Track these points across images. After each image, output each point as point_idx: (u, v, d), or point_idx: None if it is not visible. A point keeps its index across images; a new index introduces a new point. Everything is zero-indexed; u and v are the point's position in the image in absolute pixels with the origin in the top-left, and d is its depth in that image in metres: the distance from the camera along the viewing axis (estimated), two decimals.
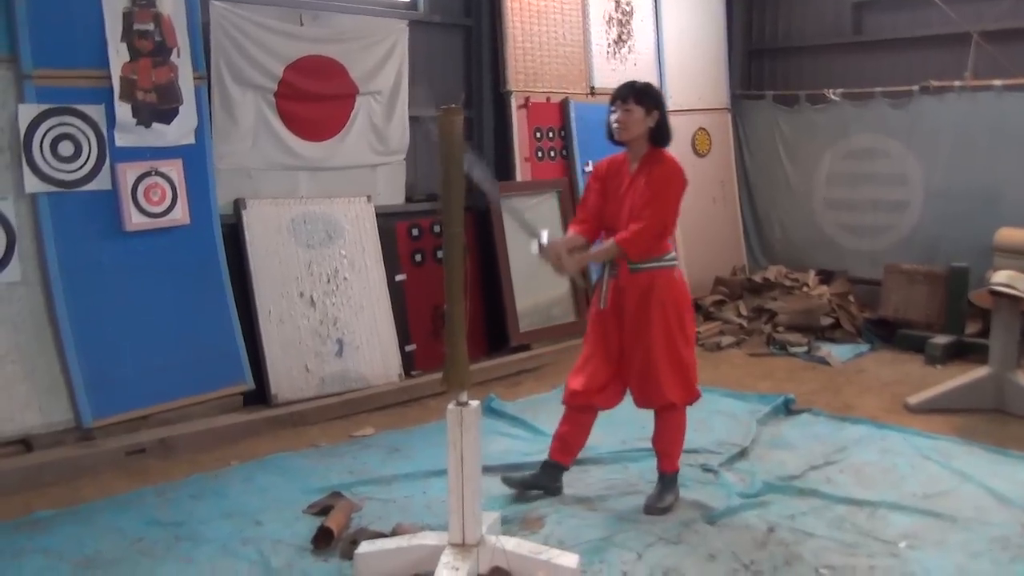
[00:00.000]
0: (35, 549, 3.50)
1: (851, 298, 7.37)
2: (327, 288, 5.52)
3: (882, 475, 4.28)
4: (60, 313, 4.51)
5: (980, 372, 5.36)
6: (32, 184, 4.46)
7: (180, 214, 4.94)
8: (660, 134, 3.84)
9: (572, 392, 3.95)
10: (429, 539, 3.31)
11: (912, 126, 7.43)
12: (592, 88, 7.15)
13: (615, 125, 3.83)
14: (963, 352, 6.37)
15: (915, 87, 7.38)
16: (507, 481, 4.04)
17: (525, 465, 4.35)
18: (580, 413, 3.99)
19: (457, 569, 3.08)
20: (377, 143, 5.95)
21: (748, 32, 8.71)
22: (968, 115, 7.07)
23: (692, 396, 3.91)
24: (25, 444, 4.41)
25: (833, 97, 7.89)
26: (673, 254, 3.88)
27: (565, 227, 6.75)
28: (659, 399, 3.85)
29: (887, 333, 6.95)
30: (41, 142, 4.46)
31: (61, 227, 4.54)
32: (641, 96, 3.80)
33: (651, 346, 3.78)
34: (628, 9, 7.42)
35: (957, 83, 7.12)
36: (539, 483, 4.03)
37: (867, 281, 7.57)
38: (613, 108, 3.85)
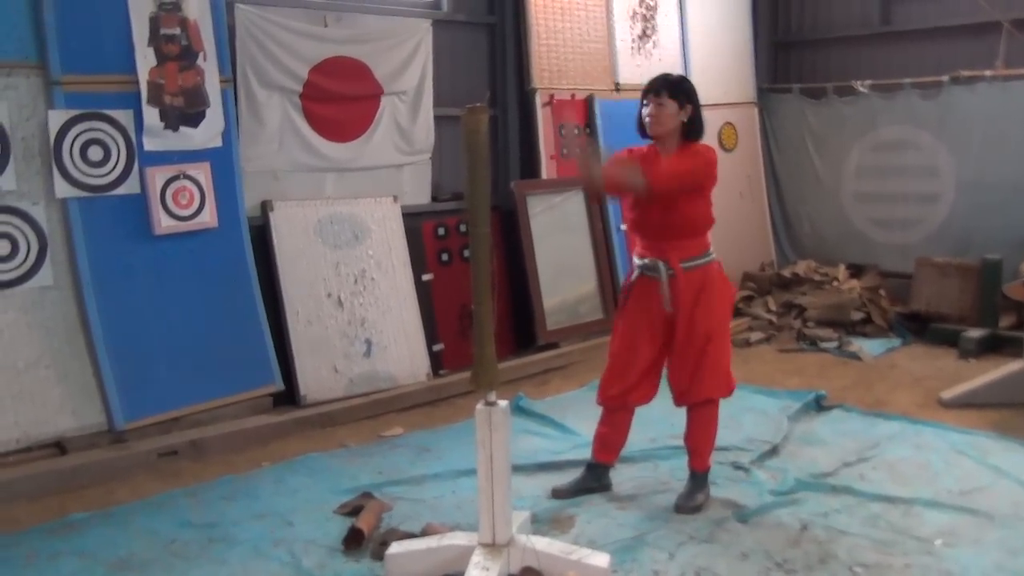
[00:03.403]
0: (70, 551, 3.54)
1: (882, 292, 7.29)
2: (354, 288, 5.54)
3: (916, 471, 4.23)
4: (92, 317, 4.55)
5: (1015, 366, 5.29)
6: (62, 189, 4.50)
7: (208, 217, 4.97)
8: (693, 128, 3.79)
9: (608, 394, 3.93)
10: (459, 539, 3.31)
11: (942, 117, 7.33)
12: (617, 84, 7.11)
13: (647, 119, 3.77)
14: (997, 346, 6.29)
15: (945, 77, 7.27)
16: (557, 494, 4.00)
17: (555, 464, 4.35)
18: (617, 413, 3.97)
19: (488, 569, 3.07)
20: (402, 143, 5.96)
21: (774, 24, 8.63)
22: (1000, 105, 6.96)
23: (731, 389, 3.91)
24: (59, 447, 4.46)
25: (861, 89, 7.80)
26: (711, 248, 3.87)
27: (593, 231, 6.78)
28: (703, 393, 3.82)
29: (919, 327, 6.86)
30: (71, 147, 4.51)
31: (91, 231, 4.59)
32: (675, 90, 3.75)
33: (709, 339, 3.76)
34: (652, 4, 7.37)
35: (988, 72, 7.01)
36: (588, 487, 4.02)
37: (898, 275, 7.48)
38: (645, 102, 3.80)
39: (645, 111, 3.79)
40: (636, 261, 3.90)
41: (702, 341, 3.77)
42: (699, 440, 3.92)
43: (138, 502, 4.05)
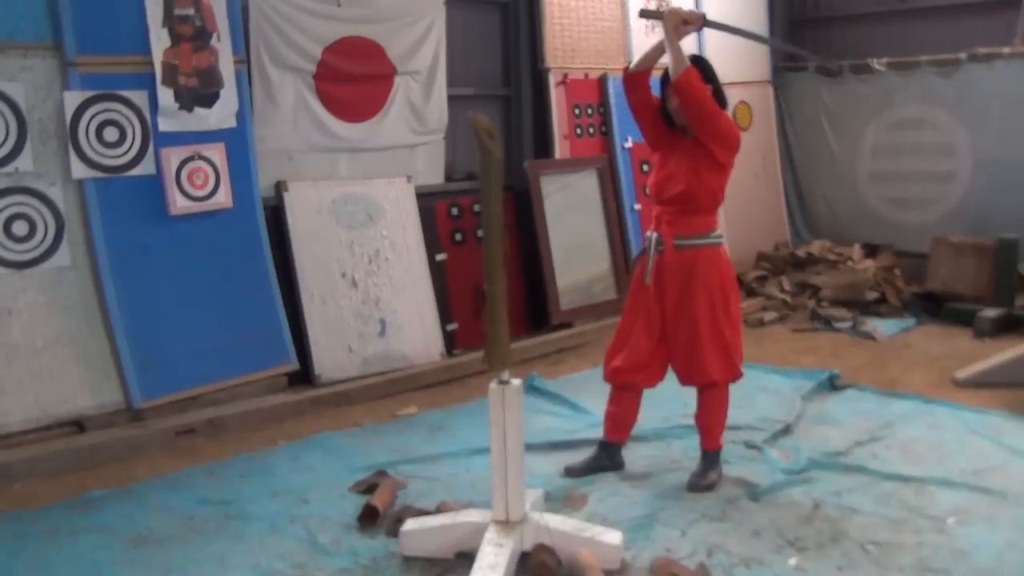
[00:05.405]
0: (90, 528, 3.59)
1: (897, 272, 7.26)
2: (369, 268, 5.56)
3: (930, 451, 4.23)
4: (109, 297, 4.59)
5: None
6: (79, 170, 4.53)
7: (223, 197, 4.99)
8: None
9: (613, 370, 3.94)
10: (473, 516, 3.33)
11: (959, 95, 7.27)
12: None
13: (673, 112, 3.79)
14: (1013, 325, 6.26)
15: (962, 55, 7.21)
16: (570, 472, 4.03)
17: (568, 443, 4.37)
18: (625, 391, 3.98)
19: (501, 546, 3.10)
20: (416, 123, 5.96)
21: (790, 2, 8.56)
22: (1018, 82, 6.91)
23: (735, 374, 3.89)
24: (78, 425, 4.51)
25: (877, 67, 7.74)
26: (719, 231, 3.84)
27: (606, 210, 6.77)
28: (702, 377, 3.83)
29: (934, 307, 6.84)
30: (87, 128, 4.53)
31: (108, 212, 4.62)
32: None
33: (696, 325, 3.76)
34: None
35: (1006, 50, 6.95)
36: (600, 465, 4.04)
37: (913, 254, 7.45)
38: (667, 92, 3.80)
39: (670, 105, 3.78)
40: (647, 234, 3.93)
41: (691, 323, 3.77)
42: (709, 420, 3.93)
43: (156, 479, 4.10)
